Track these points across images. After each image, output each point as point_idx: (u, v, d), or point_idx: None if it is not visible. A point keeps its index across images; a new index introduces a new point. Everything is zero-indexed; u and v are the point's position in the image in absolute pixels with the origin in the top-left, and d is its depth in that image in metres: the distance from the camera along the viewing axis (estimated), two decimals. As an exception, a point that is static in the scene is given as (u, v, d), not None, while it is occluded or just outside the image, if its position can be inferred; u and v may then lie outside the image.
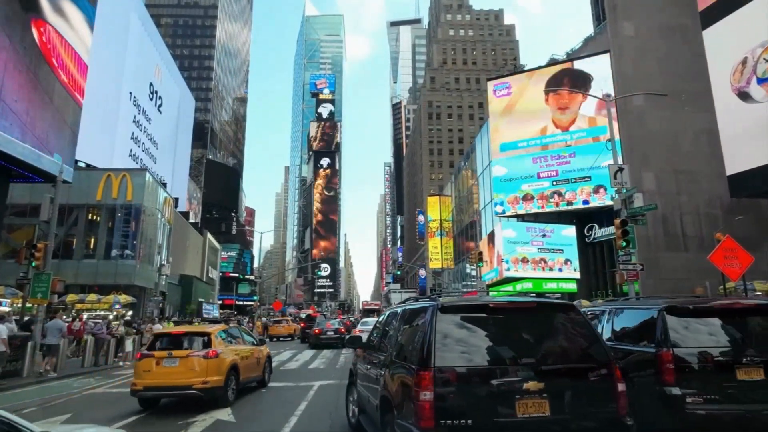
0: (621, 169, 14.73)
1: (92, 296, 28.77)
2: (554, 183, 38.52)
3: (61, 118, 19.24)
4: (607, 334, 6.51)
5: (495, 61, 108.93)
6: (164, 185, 42.15)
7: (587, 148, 37.33)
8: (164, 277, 29.32)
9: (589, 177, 37.07)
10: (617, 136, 25.13)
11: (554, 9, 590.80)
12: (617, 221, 14.00)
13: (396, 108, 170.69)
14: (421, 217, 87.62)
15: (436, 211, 78.78)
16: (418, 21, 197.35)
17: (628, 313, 6.55)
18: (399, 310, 5.76)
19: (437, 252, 76.85)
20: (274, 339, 33.09)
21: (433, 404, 3.84)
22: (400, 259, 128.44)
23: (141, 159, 45.85)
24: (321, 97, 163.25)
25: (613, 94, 35.93)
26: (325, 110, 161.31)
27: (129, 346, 18.55)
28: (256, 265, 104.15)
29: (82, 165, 37.05)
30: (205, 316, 48.62)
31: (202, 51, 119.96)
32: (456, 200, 68.15)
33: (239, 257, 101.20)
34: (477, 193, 51.12)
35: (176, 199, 47.47)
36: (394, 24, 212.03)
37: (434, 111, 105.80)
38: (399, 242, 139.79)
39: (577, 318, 4.49)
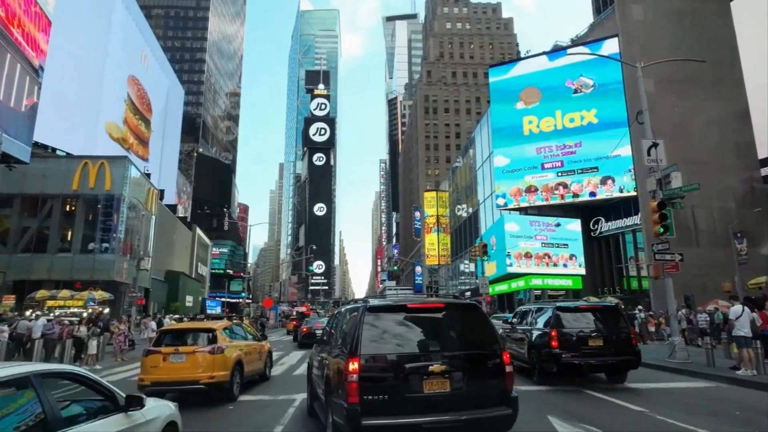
0: (655, 145, 12.80)
1: (65, 292, 26.60)
2: (559, 174, 36.65)
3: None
4: (537, 323, 10.65)
5: (492, 55, 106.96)
6: (148, 176, 39.94)
7: (595, 136, 35.49)
8: (144, 271, 27.13)
9: (597, 168, 35.23)
10: (631, 123, 23.19)
11: (550, 8, 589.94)
12: (653, 204, 12.08)
13: (391, 104, 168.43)
14: (417, 213, 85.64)
15: (432, 206, 76.79)
16: (414, 16, 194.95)
17: (541, 310, 10.87)
18: (343, 310, 6.68)
19: (434, 248, 74.85)
20: (289, 334, 33.61)
21: (358, 384, 4.64)
22: (396, 257, 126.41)
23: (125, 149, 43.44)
24: (316, 92, 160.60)
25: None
26: (320, 106, 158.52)
27: (93, 347, 16.43)
28: (250, 261, 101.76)
29: (62, 153, 34.86)
30: (209, 312, 47.20)
31: (194, 43, 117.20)
32: (453, 195, 66.15)
33: (232, 254, 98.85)
34: (475, 186, 49.10)
35: (162, 191, 45.17)
36: (390, 19, 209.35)
37: (431, 105, 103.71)
38: (394, 239, 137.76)
39: (479, 315, 5.45)
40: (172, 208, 51.53)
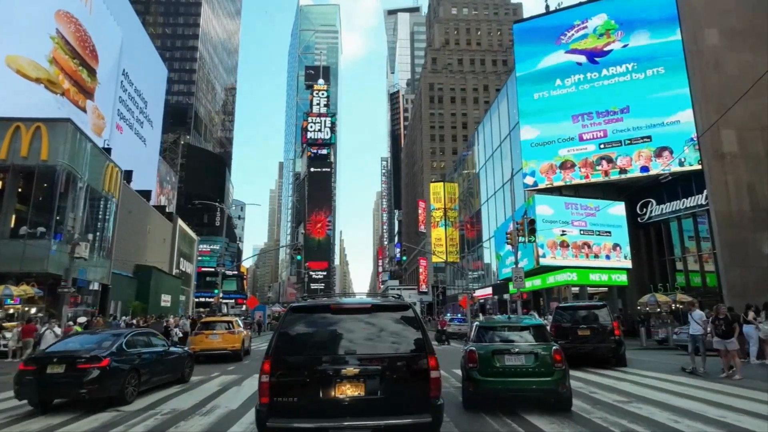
0: None
1: (-27, 287, 20.22)
2: (602, 146, 30.19)
3: None
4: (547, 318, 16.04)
5: (501, 42, 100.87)
6: (108, 150, 33.57)
7: (645, 102, 29.15)
8: (80, 260, 20.86)
9: (650, 137, 28.79)
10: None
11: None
12: None
13: (393, 98, 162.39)
14: (422, 204, 79.25)
15: (440, 199, 70.41)
16: (416, 9, 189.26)
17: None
18: None
19: (441, 244, 68.41)
20: None
21: (269, 385, 4.61)
22: (398, 256, 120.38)
23: (67, 113, 34.51)
24: (316, 88, 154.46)
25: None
26: (319, 100, 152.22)
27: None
28: (249, 261, 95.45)
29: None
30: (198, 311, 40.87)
31: (186, 30, 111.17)
32: (465, 183, 59.60)
33: (225, 251, 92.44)
34: (494, 167, 42.60)
35: (130, 172, 38.75)
36: (392, 12, 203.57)
37: (436, 94, 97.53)
38: (396, 238, 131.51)
39: (409, 316, 5.10)
40: (147, 194, 45.08)
